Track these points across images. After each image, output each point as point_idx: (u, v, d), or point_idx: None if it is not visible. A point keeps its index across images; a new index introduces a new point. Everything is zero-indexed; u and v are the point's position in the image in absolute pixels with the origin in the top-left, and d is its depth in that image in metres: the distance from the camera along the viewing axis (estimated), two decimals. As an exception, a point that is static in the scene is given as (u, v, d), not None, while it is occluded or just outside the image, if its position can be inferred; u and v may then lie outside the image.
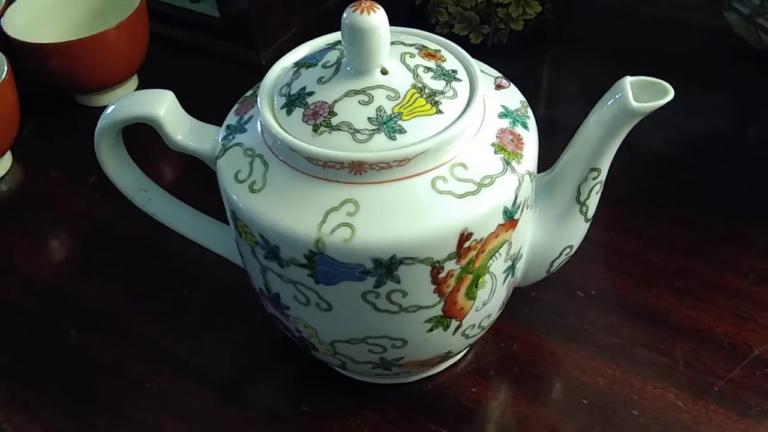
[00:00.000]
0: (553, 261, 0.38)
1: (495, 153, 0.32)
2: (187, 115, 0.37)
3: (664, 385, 0.40)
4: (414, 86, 0.32)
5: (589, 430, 0.39)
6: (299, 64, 0.35)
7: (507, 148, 0.33)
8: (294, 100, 0.33)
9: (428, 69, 0.33)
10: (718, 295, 0.44)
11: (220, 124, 0.37)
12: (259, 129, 0.34)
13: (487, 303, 0.35)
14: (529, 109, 0.36)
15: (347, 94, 0.32)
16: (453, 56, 0.35)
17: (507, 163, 0.32)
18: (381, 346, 0.35)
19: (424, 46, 0.35)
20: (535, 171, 0.35)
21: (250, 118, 0.35)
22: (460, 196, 0.31)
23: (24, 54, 0.58)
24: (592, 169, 0.35)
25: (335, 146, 0.31)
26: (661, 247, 0.47)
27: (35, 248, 0.52)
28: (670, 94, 0.32)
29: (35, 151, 0.60)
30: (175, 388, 0.43)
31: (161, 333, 0.45)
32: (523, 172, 0.33)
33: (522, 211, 0.33)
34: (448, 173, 0.31)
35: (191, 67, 0.65)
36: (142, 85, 0.65)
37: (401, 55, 0.33)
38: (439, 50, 0.35)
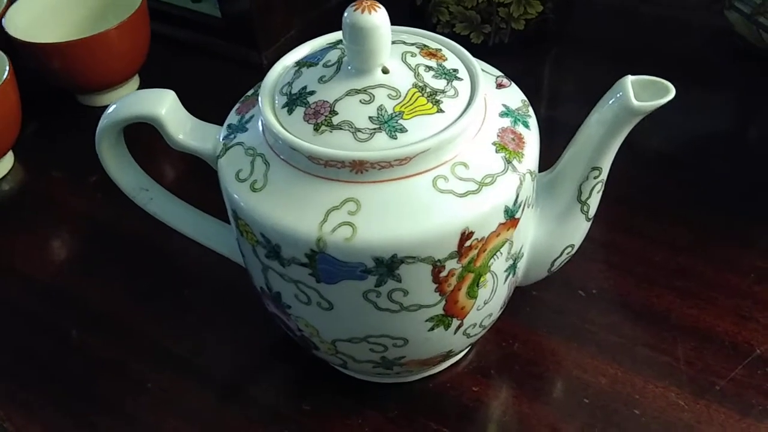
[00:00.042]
0: (555, 260, 0.38)
1: (496, 152, 0.32)
2: (189, 114, 0.37)
3: (666, 385, 0.40)
4: (415, 85, 0.32)
5: (590, 430, 0.39)
6: (300, 64, 0.35)
7: (508, 147, 0.33)
8: (295, 100, 0.33)
9: (429, 68, 0.33)
10: (720, 294, 0.44)
11: (221, 124, 0.37)
12: (261, 128, 0.34)
13: (488, 302, 0.35)
14: (530, 108, 0.36)
15: (348, 93, 0.32)
16: (454, 55, 0.35)
17: (508, 162, 0.32)
18: (382, 345, 0.35)
19: (425, 45, 0.35)
20: (537, 170, 0.35)
21: (252, 117, 0.35)
22: (462, 195, 0.31)
23: (25, 54, 0.58)
24: (594, 168, 0.35)
25: (336, 145, 0.31)
26: (662, 247, 0.47)
27: (36, 248, 0.52)
28: (671, 93, 0.32)
29: (37, 151, 0.60)
30: (176, 387, 0.43)
31: (162, 332, 0.45)
32: (525, 171, 0.33)
33: (523, 210, 0.33)
34: (449, 172, 0.31)
35: (192, 67, 0.65)
36: (144, 85, 0.65)
37: (402, 54, 0.33)
38: (440, 49, 0.35)
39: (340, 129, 0.31)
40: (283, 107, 0.33)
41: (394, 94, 0.32)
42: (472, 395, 0.41)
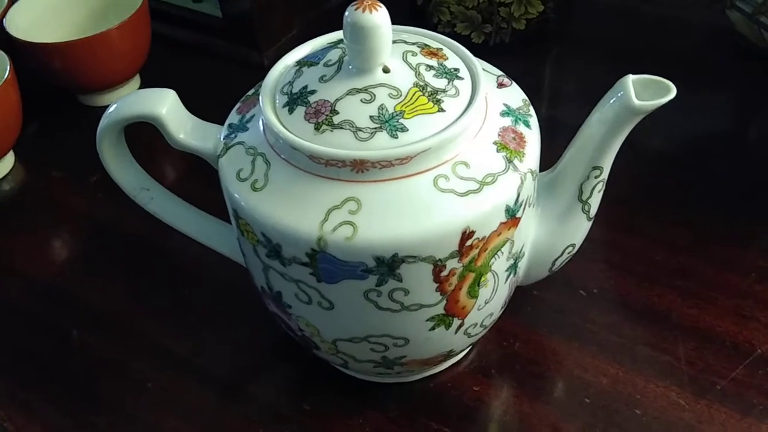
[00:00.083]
0: (556, 260, 0.38)
1: (497, 151, 0.32)
2: (189, 113, 0.37)
3: (667, 384, 0.40)
4: (416, 84, 0.32)
5: (591, 429, 0.39)
6: (301, 63, 0.35)
7: (509, 146, 0.33)
8: (296, 99, 0.33)
9: (430, 67, 0.33)
10: (720, 294, 0.44)
11: (222, 124, 0.37)
12: (261, 128, 0.34)
13: (489, 301, 0.35)
14: (531, 108, 0.36)
15: (349, 93, 0.32)
16: (455, 55, 0.35)
17: (509, 161, 0.32)
18: (383, 344, 0.35)
19: (426, 45, 0.35)
20: (538, 169, 0.35)
21: (252, 116, 0.35)
22: (462, 195, 0.31)
23: (26, 54, 0.58)
24: (595, 168, 0.35)
25: (337, 144, 0.31)
26: (663, 246, 0.47)
27: (37, 248, 0.52)
28: (673, 92, 0.32)
29: (37, 151, 0.60)
30: (176, 387, 0.43)
31: (163, 332, 0.45)
32: (525, 170, 0.33)
33: (524, 209, 0.33)
34: (450, 171, 0.31)
35: (193, 67, 0.65)
36: (144, 85, 0.65)
37: (403, 53, 0.33)
38: (441, 49, 0.35)
39: (341, 128, 0.31)
40: (284, 106, 0.33)
41: (395, 93, 0.32)
42: (473, 395, 0.41)
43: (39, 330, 0.47)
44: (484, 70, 0.35)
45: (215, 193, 0.37)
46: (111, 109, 0.37)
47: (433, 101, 0.32)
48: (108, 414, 0.42)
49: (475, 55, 0.35)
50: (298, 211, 0.31)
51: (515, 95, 0.36)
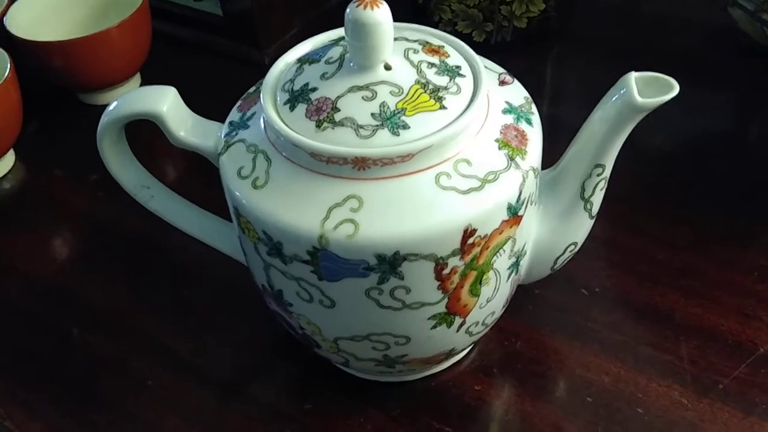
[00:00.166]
0: (557, 258, 0.38)
1: (499, 149, 0.32)
2: (190, 111, 0.37)
3: (669, 383, 0.40)
4: (417, 82, 0.32)
5: (593, 428, 0.38)
6: (302, 60, 0.35)
7: (511, 144, 0.33)
8: (297, 96, 0.33)
9: (432, 65, 0.33)
10: (723, 293, 0.44)
11: (222, 122, 0.36)
12: (262, 125, 0.34)
13: (490, 300, 0.35)
14: (533, 105, 0.36)
15: (350, 90, 0.32)
16: (457, 52, 0.35)
17: (511, 159, 0.32)
18: (384, 343, 0.35)
19: (427, 42, 0.34)
20: (540, 167, 0.34)
21: (253, 114, 0.35)
22: (464, 192, 0.31)
23: (26, 52, 0.58)
24: (597, 166, 0.35)
25: (338, 142, 0.31)
26: (665, 245, 0.46)
27: (37, 246, 0.52)
28: (675, 90, 0.32)
29: (37, 150, 0.60)
30: (177, 385, 0.42)
31: (163, 330, 0.45)
32: (528, 168, 0.33)
33: (526, 207, 0.33)
34: (451, 169, 0.31)
35: (194, 65, 0.65)
36: (145, 84, 0.65)
37: (405, 50, 0.33)
38: (443, 46, 0.35)
39: (342, 126, 0.31)
40: (285, 104, 0.33)
41: (396, 90, 0.32)
42: (474, 394, 0.40)
43: (39, 328, 0.47)
44: (486, 67, 0.35)
45: (216, 191, 0.36)
46: (112, 106, 0.37)
47: (434, 98, 0.32)
48: (108, 412, 0.42)
49: (477, 54, 0.35)
50: (299, 209, 0.31)
51: (517, 93, 0.36)
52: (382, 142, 0.30)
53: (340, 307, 0.33)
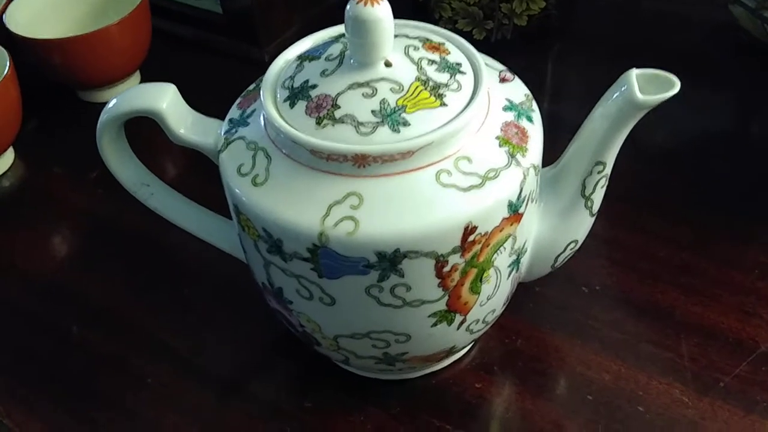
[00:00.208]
0: (558, 256, 0.38)
1: (499, 146, 0.32)
2: (190, 108, 0.37)
3: (670, 381, 0.40)
4: (418, 79, 0.32)
5: (594, 426, 0.38)
6: (302, 57, 0.35)
7: (512, 141, 0.33)
8: (297, 93, 0.33)
9: (432, 62, 0.33)
10: (723, 291, 0.44)
11: (222, 119, 0.36)
12: (262, 122, 0.34)
13: (491, 298, 0.35)
14: (534, 103, 0.35)
15: (351, 87, 0.32)
16: (457, 49, 0.35)
17: (512, 156, 0.32)
18: (384, 340, 0.35)
19: (428, 39, 0.34)
20: (540, 164, 0.34)
21: (253, 111, 0.35)
22: (465, 190, 0.31)
23: (26, 50, 0.58)
24: (598, 163, 0.35)
25: (339, 139, 0.31)
26: (666, 243, 0.46)
27: (37, 244, 0.52)
28: (676, 87, 0.32)
29: (37, 147, 0.60)
30: (176, 383, 0.42)
31: (163, 328, 0.45)
32: (528, 165, 0.32)
33: (527, 204, 0.33)
34: (452, 166, 0.31)
35: (194, 63, 0.65)
36: (145, 81, 0.65)
37: (405, 47, 0.33)
38: (444, 43, 0.35)
39: (343, 123, 0.31)
40: (285, 101, 0.33)
41: (396, 87, 0.32)
42: (474, 392, 0.40)
43: (38, 326, 0.46)
44: (486, 64, 0.34)
45: (216, 189, 0.36)
46: (111, 104, 0.37)
47: (435, 96, 0.32)
48: (108, 410, 0.42)
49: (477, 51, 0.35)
50: (299, 206, 0.31)
51: (518, 90, 0.35)
52: (383, 139, 0.30)
53: (340, 305, 0.33)
